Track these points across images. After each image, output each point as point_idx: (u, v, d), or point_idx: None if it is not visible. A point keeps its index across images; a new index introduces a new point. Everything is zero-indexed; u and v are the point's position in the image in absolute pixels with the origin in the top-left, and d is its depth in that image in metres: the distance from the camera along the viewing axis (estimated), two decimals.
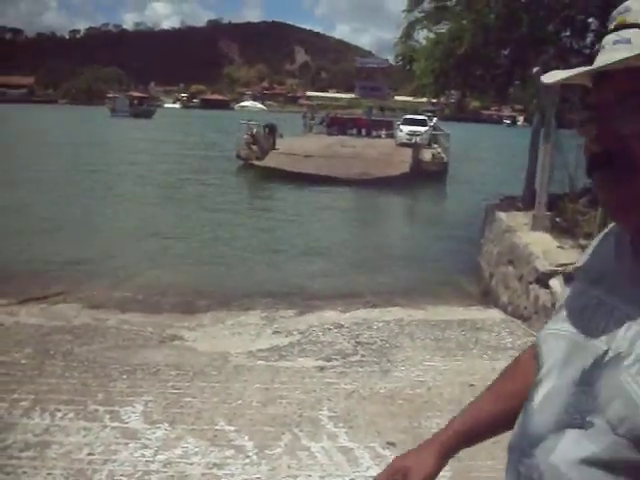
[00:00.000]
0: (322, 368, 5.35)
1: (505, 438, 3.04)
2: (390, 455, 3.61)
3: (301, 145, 28.81)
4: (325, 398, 4.46)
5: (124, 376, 5.23)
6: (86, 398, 4.61)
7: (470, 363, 5.33)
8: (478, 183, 24.34)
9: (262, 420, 4.10)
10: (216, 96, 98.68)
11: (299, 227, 15.43)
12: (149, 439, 3.89)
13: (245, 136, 26.91)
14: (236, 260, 12.13)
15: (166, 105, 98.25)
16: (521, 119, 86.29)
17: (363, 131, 39.20)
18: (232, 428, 3.99)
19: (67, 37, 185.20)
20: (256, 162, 24.68)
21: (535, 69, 9.36)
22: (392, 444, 3.73)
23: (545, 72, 1.07)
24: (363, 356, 5.81)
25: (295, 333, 7.15)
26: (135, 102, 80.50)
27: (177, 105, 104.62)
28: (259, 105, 56.09)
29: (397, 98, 48.39)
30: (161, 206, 17.26)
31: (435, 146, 30.17)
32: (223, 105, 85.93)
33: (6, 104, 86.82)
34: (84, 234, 13.45)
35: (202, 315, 8.83)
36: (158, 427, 4.05)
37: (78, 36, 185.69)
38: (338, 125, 40.00)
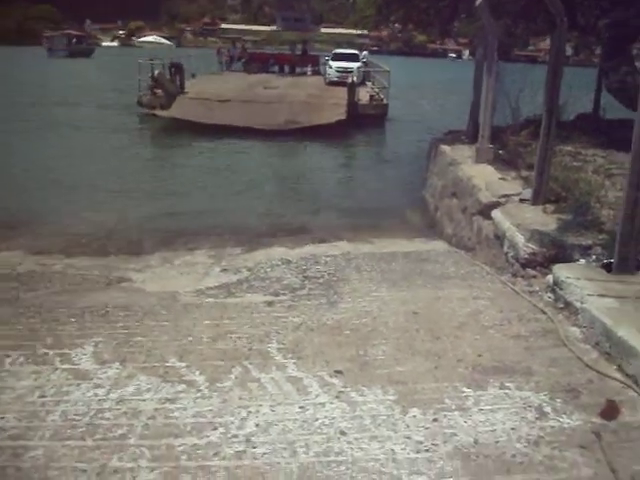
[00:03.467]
0: (270, 303, 5.43)
1: (445, 364, 3.17)
2: (338, 383, 3.75)
3: (216, 87, 25.25)
4: (274, 331, 4.55)
5: (72, 319, 5.21)
6: (35, 342, 4.58)
7: (414, 292, 5.48)
8: (422, 122, 22.68)
9: (212, 355, 4.17)
10: (156, 32, 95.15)
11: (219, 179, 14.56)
12: (100, 378, 3.92)
13: (147, 79, 23.18)
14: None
15: (104, 44, 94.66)
16: (466, 53, 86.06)
17: (286, 68, 35.75)
18: (183, 364, 4.05)
19: None
20: (159, 112, 21.28)
21: (478, 1, 9.34)
22: (340, 372, 3.86)
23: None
24: (311, 289, 5.91)
25: (243, 270, 7.21)
26: (74, 41, 77.35)
27: (115, 43, 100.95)
28: (163, 40, 50.10)
29: (324, 30, 45.26)
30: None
31: (369, 84, 27.84)
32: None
33: None
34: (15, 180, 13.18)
35: (149, 256, 8.83)
36: (109, 367, 4.08)
37: None
38: (258, 62, 36.00)
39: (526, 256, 6.01)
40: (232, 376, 3.86)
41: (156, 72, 22.60)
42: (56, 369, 4.11)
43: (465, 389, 3.61)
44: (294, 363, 4.00)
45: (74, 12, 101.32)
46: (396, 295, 5.44)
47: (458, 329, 4.45)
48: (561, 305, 4.87)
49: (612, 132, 9.87)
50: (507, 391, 3.59)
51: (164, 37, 59.78)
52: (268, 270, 7.08)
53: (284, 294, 5.82)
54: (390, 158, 17.47)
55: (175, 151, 17.66)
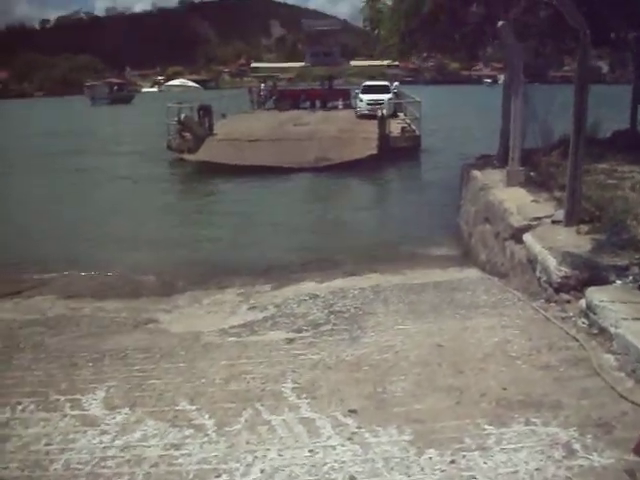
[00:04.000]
0: (291, 340, 5.26)
1: (467, 399, 2.91)
2: (352, 423, 3.54)
3: (246, 126, 24.64)
4: (290, 370, 4.37)
5: (90, 364, 5.13)
6: (49, 389, 4.50)
7: (441, 324, 5.25)
8: (457, 151, 20.91)
9: (224, 397, 4.01)
10: (194, 76, 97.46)
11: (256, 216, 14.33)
12: (108, 424, 3.80)
13: (173, 122, 22.49)
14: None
15: (144, 90, 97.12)
16: (502, 77, 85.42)
17: (318, 103, 35.07)
18: (193, 407, 3.90)
19: (37, 27, 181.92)
20: (186, 156, 20.64)
21: (500, 23, 9.18)
22: (354, 411, 3.65)
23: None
24: (335, 325, 5.72)
25: (270, 307, 7.08)
26: (115, 88, 79.56)
27: (155, 89, 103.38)
28: (190, 83, 48.94)
29: (353, 63, 44.01)
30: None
31: (401, 116, 26.76)
32: (202, 85, 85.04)
33: None
34: (56, 225, 13.34)
35: (179, 296, 8.76)
36: (118, 412, 3.96)
37: (48, 26, 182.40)
38: (289, 98, 35.26)
39: (559, 280, 5.71)
40: (242, 419, 3.68)
41: (182, 115, 21.86)
42: (65, 415, 4.00)
43: (487, 426, 3.36)
44: (308, 403, 3.81)
45: (115, 60, 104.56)
46: (422, 327, 5.21)
47: (483, 361, 4.20)
48: (595, 331, 4.58)
49: None
50: (533, 427, 3.33)
51: (194, 80, 60.37)
52: (295, 306, 6.93)
53: (307, 330, 5.65)
54: (424, 188, 17.07)
55: (205, 196, 17.57)
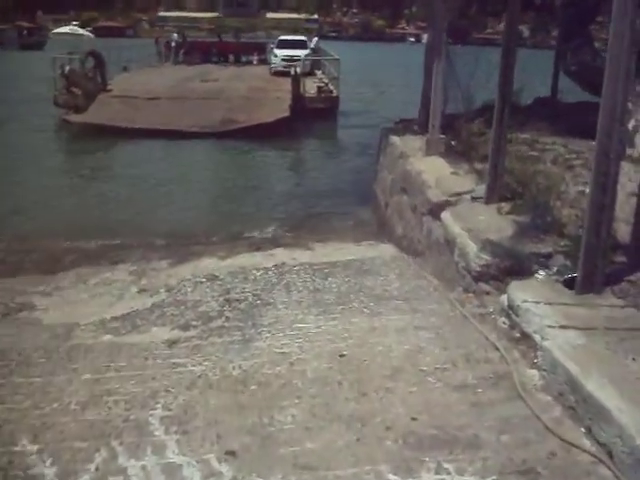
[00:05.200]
0: (174, 342, 4.51)
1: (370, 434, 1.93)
2: (227, 471, 2.86)
3: (146, 81, 22.33)
4: (163, 389, 3.64)
5: None
6: None
7: (347, 321, 4.61)
8: (378, 113, 20.04)
9: (76, 431, 3.25)
10: (110, 23, 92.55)
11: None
12: None
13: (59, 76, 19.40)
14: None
15: (54, 30, 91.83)
16: (425, 36, 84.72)
17: (231, 57, 32.95)
18: (35, 448, 3.13)
19: None
20: (70, 117, 18.13)
21: None
22: (232, 453, 2.97)
23: None
24: (227, 319, 5.02)
25: (162, 291, 6.35)
26: (25, 33, 74.90)
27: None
28: (81, 30, 44.22)
29: (270, 16, 41.46)
30: None
31: (319, 74, 25.07)
32: (118, 33, 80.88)
33: None
34: None
35: (64, 275, 7.84)
36: None
37: None
38: (199, 51, 32.78)
39: (478, 269, 5.17)
40: (92, 466, 2.95)
41: (66, 68, 18.99)
42: None
43: (391, 476, 2.75)
44: (177, 441, 3.10)
45: (26, 3, 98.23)
46: (325, 326, 4.56)
47: (391, 378, 3.58)
48: (517, 335, 4.04)
49: (571, 117, 9.09)
50: (445, 476, 2.74)
51: (109, 27, 56.82)
52: (189, 290, 6.19)
53: (195, 327, 4.91)
54: (341, 154, 16.01)
55: (93, 161, 15.44)
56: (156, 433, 3.19)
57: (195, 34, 37.69)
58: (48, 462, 3.01)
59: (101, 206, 11.13)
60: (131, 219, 10.37)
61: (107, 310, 5.86)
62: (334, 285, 5.81)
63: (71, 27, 47.80)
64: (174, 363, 4.07)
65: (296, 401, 3.40)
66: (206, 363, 4.01)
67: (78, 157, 16.11)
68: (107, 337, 4.92)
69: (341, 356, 3.94)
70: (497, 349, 3.87)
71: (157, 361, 4.15)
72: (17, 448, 3.15)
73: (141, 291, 6.55)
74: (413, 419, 3.17)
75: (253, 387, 3.60)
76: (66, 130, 18.18)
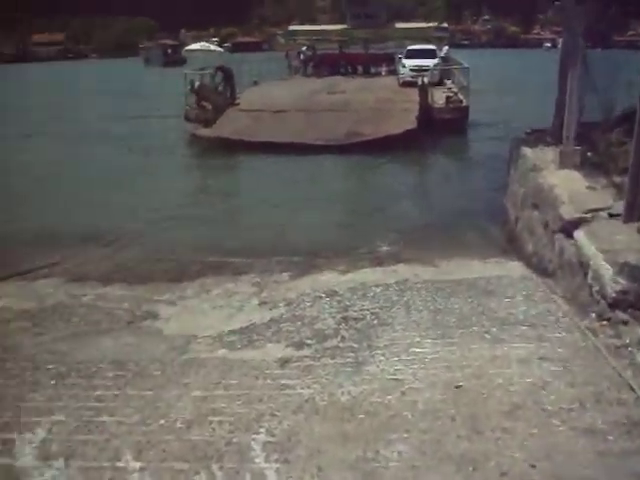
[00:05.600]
0: (286, 362, 4.43)
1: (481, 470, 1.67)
2: None
3: (275, 95, 22.02)
4: (269, 413, 3.54)
5: (52, 381, 4.44)
6: None
7: (466, 348, 4.32)
8: (511, 124, 18.13)
9: (178, 452, 3.21)
10: (247, 38, 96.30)
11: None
12: None
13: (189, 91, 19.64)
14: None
15: (189, 47, 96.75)
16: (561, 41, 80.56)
17: (359, 69, 31.69)
18: (137, 465, 3.12)
19: None
20: (198, 131, 18.39)
21: None
22: None
23: None
24: (342, 339, 4.87)
25: (281, 305, 6.30)
26: (169, 50, 79.46)
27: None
28: (213, 47, 44.63)
29: (399, 26, 40.33)
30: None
31: (448, 83, 23.87)
32: (255, 47, 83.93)
33: (39, 62, 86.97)
34: (85, 198, 12.60)
35: (188, 284, 7.99)
36: (50, 465, 3.22)
37: None
38: (328, 64, 31.74)
39: (614, 294, 4.70)
40: None
41: (196, 84, 19.30)
42: None
43: None
44: (276, 470, 2.98)
45: (170, 23, 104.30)
46: (442, 352, 4.30)
47: (509, 416, 3.28)
48: None
49: None
50: None
51: (246, 43, 58.44)
52: (307, 305, 6.12)
53: (309, 346, 4.81)
54: (470, 167, 15.22)
55: (220, 175, 15.59)
56: (257, 460, 3.09)
57: (325, 46, 37.79)
58: None
59: (227, 218, 11.38)
60: (256, 231, 10.48)
61: (226, 322, 5.90)
62: (456, 306, 5.52)
63: (202, 44, 49.32)
64: (283, 384, 3.98)
65: (405, 435, 3.18)
66: (315, 386, 3.88)
67: (206, 171, 16.53)
68: (222, 352, 4.92)
69: (457, 387, 3.67)
70: (632, 389, 3.45)
71: (267, 381, 4.07)
72: (120, 464, 3.16)
73: (261, 304, 6.55)
74: (532, 466, 2.86)
75: (360, 416, 3.42)
76: (196, 145, 18.58)
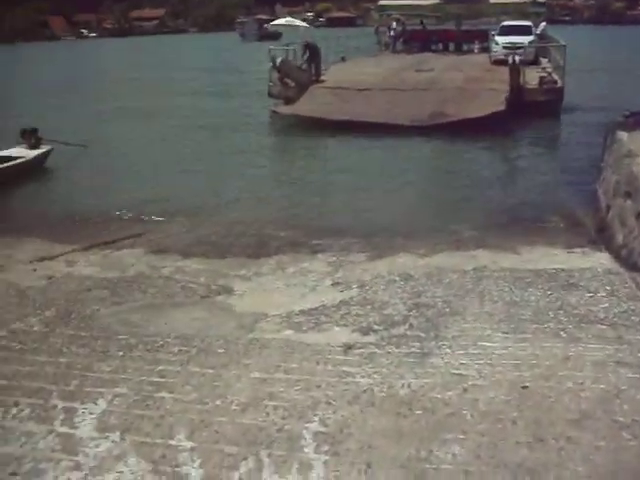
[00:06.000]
0: (349, 347, 4.34)
1: None
2: None
3: (360, 71, 21.22)
4: (325, 400, 3.47)
5: (120, 353, 4.54)
6: (56, 387, 3.92)
7: (538, 345, 4.10)
8: (608, 106, 16.87)
9: (230, 435, 3.20)
10: (341, 13, 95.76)
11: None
12: (87, 456, 3.12)
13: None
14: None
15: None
16: None
17: (451, 46, 30.83)
18: (188, 445, 3.13)
19: None
20: (278, 108, 18.00)
21: None
22: None
23: None
24: (410, 327, 4.74)
25: (354, 287, 6.22)
26: (264, 25, 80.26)
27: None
28: (298, 22, 43.56)
29: (493, 1, 38.18)
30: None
31: (544, 62, 22.02)
32: (349, 22, 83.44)
33: (140, 36, 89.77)
34: (168, 173, 12.84)
35: (265, 260, 8.00)
36: (105, 437, 3.28)
37: None
38: (419, 40, 31.07)
39: None
40: (236, 475, 2.85)
41: (278, 60, 18.73)
42: (51, 432, 3.39)
43: None
44: (325, 462, 2.91)
45: None
46: (512, 348, 4.10)
47: (576, 425, 3.07)
48: None
49: None
50: None
51: (340, 18, 57.68)
52: (381, 288, 6.02)
53: (375, 331, 4.71)
54: (561, 151, 14.07)
55: (302, 153, 15.02)
56: (306, 450, 3.02)
57: (417, 22, 36.70)
58: (197, 463, 2.98)
59: (308, 196, 11.32)
60: (336, 209, 10.40)
61: (297, 302, 5.87)
62: (532, 298, 5.28)
63: (288, 19, 48.98)
64: (343, 372, 3.90)
65: (461, 436, 3.04)
66: (375, 376, 3.78)
67: (286, 148, 16.47)
68: (287, 333, 4.90)
69: (523, 388, 3.48)
70: None
71: (327, 367, 4.00)
72: (172, 442, 3.18)
73: (334, 284, 6.48)
74: None
75: (418, 412, 3.30)
76: (276, 121, 18.26)
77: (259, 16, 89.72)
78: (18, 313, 5.71)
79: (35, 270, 7.23)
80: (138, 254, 8.24)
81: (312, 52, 19.65)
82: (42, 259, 7.74)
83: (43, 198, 11.59)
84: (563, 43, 19.57)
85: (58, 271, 7.23)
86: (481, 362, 3.89)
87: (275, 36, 72.44)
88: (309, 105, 17.38)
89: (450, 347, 4.20)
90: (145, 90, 26.61)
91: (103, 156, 14.10)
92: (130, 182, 12.03)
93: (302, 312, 5.47)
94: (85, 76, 33.76)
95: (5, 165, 11.71)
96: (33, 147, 12.65)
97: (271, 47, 20.11)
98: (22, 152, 12.43)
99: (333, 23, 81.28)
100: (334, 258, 7.85)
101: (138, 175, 12.64)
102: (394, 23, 31.37)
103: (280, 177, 13.27)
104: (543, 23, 26.52)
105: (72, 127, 16.91)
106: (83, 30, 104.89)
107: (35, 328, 5.31)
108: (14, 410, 3.68)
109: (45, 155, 12.83)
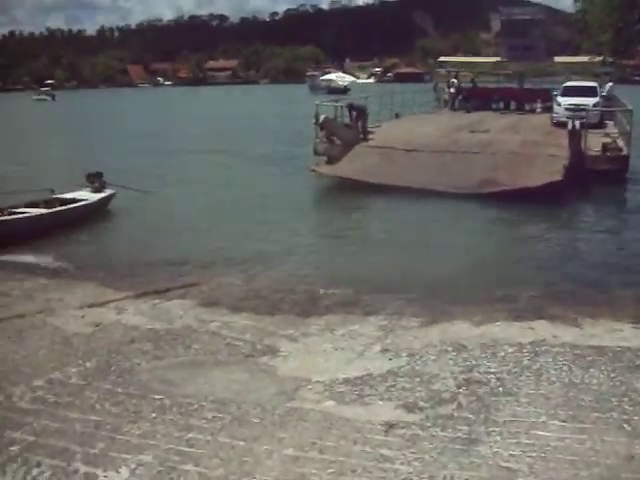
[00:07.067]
0: (391, 427, 4.06)
1: None
2: None
3: (412, 130, 20.38)
4: None
5: (153, 414, 4.39)
6: (81, 449, 3.76)
7: (599, 439, 3.73)
8: None
9: None
10: (409, 69, 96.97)
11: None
12: None
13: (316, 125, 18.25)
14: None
15: (359, 80, 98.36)
16: None
17: (513, 104, 29.55)
18: None
19: (267, 20, 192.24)
20: (318, 168, 17.12)
21: None
22: None
23: None
24: (459, 407, 4.43)
25: (403, 355, 5.95)
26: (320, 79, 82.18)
27: (371, 80, 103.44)
28: (347, 77, 42.92)
29: (558, 59, 36.75)
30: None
31: (610, 125, 20.61)
32: (416, 78, 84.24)
33: (213, 86, 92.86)
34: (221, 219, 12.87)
35: (315, 320, 7.77)
36: None
37: (277, 18, 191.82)
38: (479, 98, 29.85)
39: None
40: None
41: (321, 117, 18.07)
42: None
43: None
44: None
45: (335, 52, 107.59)
46: (568, 440, 3.75)
47: None
48: None
49: None
50: None
51: (407, 73, 58.58)
52: (431, 358, 5.73)
53: (421, 410, 4.41)
54: (628, 225, 13.38)
55: (340, 216, 14.49)
56: None
57: (482, 79, 35.90)
58: None
59: (363, 254, 11.10)
60: (390, 269, 10.14)
61: (343, 368, 5.63)
62: (594, 381, 4.89)
63: (338, 74, 49.49)
64: (382, 455, 3.62)
65: None
66: (415, 463, 3.49)
67: (324, 210, 15.78)
68: (328, 404, 4.65)
69: None
70: None
71: (365, 448, 3.73)
72: None
73: (383, 351, 6.20)
74: None
75: None
76: (317, 181, 17.47)
77: (329, 69, 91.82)
78: (59, 362, 5.66)
79: (83, 317, 7.22)
80: (188, 306, 8.14)
81: (358, 112, 19.15)
82: (92, 305, 7.74)
83: (102, 241, 11.78)
84: (630, 107, 18.31)
85: (106, 318, 7.20)
86: (533, 455, 3.55)
87: (343, 91, 73.75)
88: (351, 165, 16.75)
89: (500, 434, 3.87)
90: (224, 137, 27.18)
91: (165, 201, 14.31)
92: (190, 228, 12.09)
93: (346, 381, 5.23)
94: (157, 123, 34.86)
95: (68, 207, 11.99)
96: (97, 190, 12.94)
97: (317, 103, 19.49)
98: (86, 195, 12.74)
99: (400, 78, 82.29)
100: (385, 322, 7.56)
101: (199, 221, 12.72)
102: (454, 80, 30.95)
103: (336, 233, 13.10)
104: (610, 83, 25.36)
105: (141, 169, 17.43)
106: (159, 78, 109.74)
107: (73, 380, 5.23)
108: (34, 471, 3.54)
109: (108, 199, 13.10)
